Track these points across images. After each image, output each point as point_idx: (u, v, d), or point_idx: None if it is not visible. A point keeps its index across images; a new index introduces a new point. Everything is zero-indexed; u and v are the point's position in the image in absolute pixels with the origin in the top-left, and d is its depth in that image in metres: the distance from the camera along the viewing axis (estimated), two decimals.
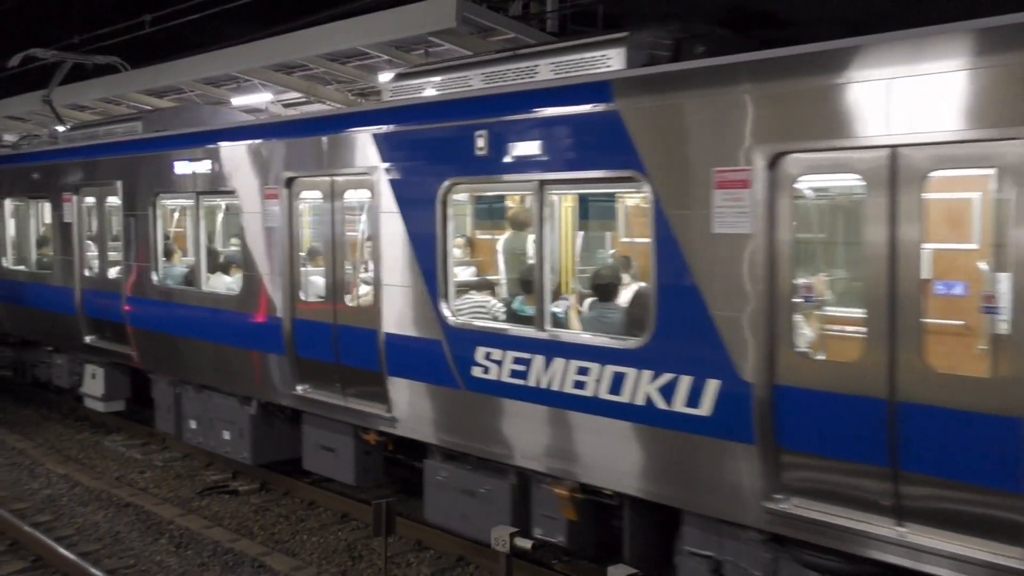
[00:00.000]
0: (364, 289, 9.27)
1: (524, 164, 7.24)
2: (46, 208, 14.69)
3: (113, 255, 12.86)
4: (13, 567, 8.93)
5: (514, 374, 7.38)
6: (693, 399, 6.28)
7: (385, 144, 8.45)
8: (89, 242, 13.38)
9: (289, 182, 9.51)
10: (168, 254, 12.25)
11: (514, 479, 7.73)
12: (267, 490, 11.09)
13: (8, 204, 15.60)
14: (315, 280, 9.83)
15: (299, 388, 9.59)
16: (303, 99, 15.33)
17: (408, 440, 8.68)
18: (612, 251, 10.18)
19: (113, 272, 12.74)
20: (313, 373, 9.44)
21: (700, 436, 6.26)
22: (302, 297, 9.58)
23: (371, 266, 8.84)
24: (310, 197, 9.77)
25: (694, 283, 6.21)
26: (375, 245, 8.56)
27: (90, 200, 13.21)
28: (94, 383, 13.66)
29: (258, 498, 10.90)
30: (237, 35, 18.02)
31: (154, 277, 11.73)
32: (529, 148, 7.20)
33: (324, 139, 9.08)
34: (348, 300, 9.18)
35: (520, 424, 7.43)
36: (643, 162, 6.46)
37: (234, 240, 12.40)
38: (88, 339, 13.20)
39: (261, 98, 15.42)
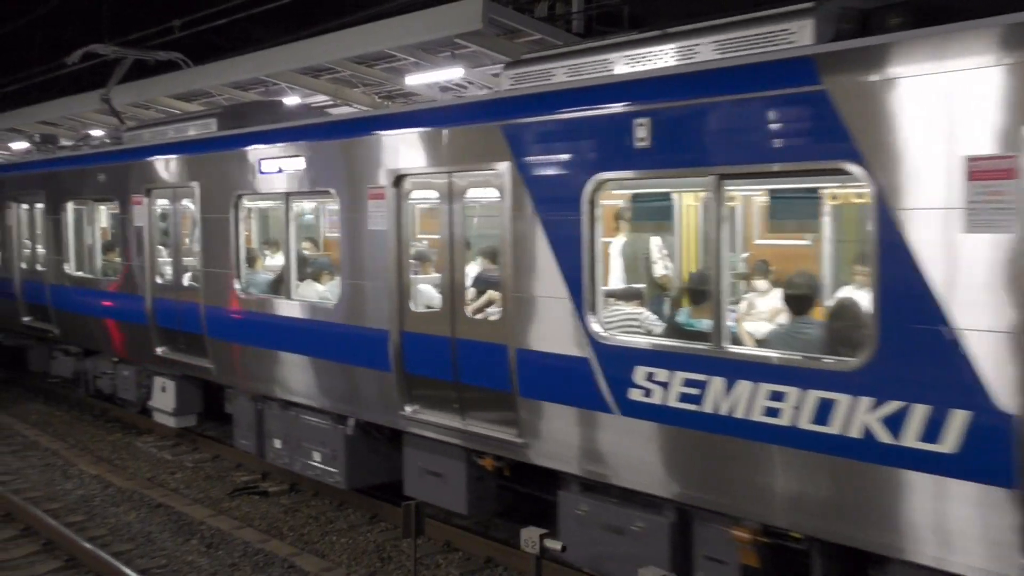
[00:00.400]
0: (490, 299, 8.61)
1: (698, 155, 6.32)
2: (112, 211, 14.02)
3: (188, 261, 12.14)
4: (47, 566, 9.03)
5: (684, 398, 6.43)
6: (930, 432, 5.27)
7: (519, 137, 7.51)
8: (160, 247, 12.83)
9: (398, 181, 8.63)
10: (251, 260, 11.43)
11: (672, 516, 6.83)
12: (296, 491, 11.15)
13: (71, 208, 14.83)
14: (428, 289, 9.21)
15: (407, 408, 8.69)
16: (330, 102, 15.42)
17: (529, 466, 7.90)
18: (745, 254, 9.32)
19: (188, 279, 12.06)
20: (425, 392, 8.57)
21: (939, 476, 5.27)
22: (413, 308, 8.74)
23: (499, 274, 8.08)
24: (423, 197, 9.07)
25: (933, 293, 5.21)
26: (505, 250, 7.66)
27: (163, 202, 12.56)
28: (164, 397, 13.01)
29: (288, 499, 10.97)
30: (264, 39, 18.16)
31: (236, 285, 10.90)
32: (706, 137, 6.31)
33: (443, 132, 8.24)
34: (470, 311, 8.35)
35: (690, 455, 6.50)
36: (860, 150, 5.50)
37: (330, 244, 11.74)
38: (160, 350, 12.49)
39: (288, 101, 15.52)
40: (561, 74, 7.57)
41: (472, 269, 9.05)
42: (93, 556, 8.81)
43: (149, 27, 17.65)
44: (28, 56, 26.61)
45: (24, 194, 16.25)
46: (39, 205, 15.62)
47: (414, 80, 13.27)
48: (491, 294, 8.63)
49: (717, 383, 6.21)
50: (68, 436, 14.11)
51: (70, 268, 14.76)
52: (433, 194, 8.53)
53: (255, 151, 10.48)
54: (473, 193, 8.27)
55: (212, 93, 16.52)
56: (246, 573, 8.78)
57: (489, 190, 7.94)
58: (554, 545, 7.23)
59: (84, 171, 14.24)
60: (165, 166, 12.16)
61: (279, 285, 10.69)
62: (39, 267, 15.80)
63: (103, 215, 14.79)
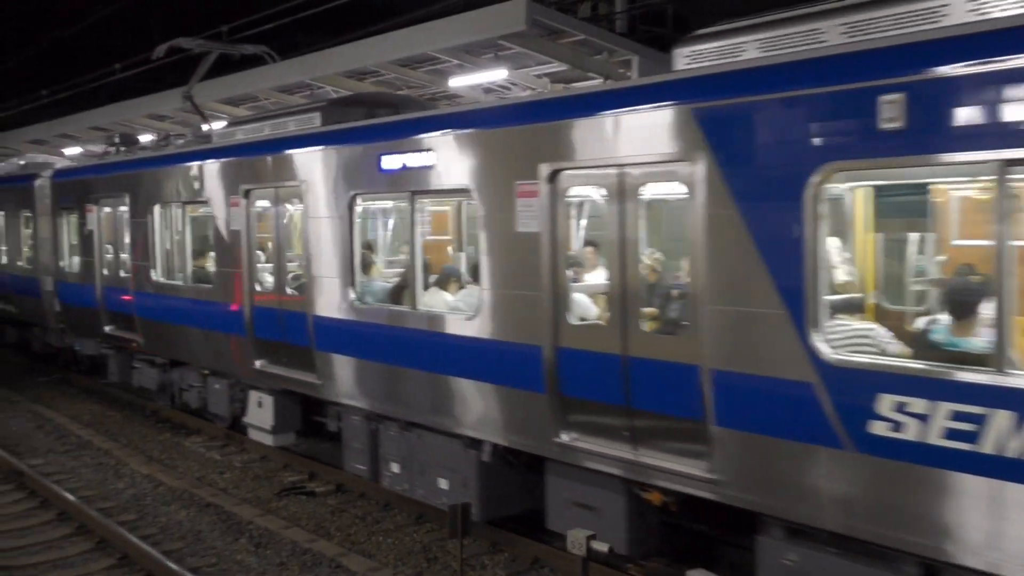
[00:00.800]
0: (671, 310, 7.77)
1: (979, 137, 5.24)
2: (203, 214, 13.26)
3: (293, 267, 11.44)
4: (101, 564, 9.19)
5: (951, 435, 5.38)
6: None
7: (717, 122, 6.49)
8: (259, 252, 12.13)
9: (553, 176, 7.63)
10: (366, 266, 10.57)
11: (917, 571, 5.87)
12: (343, 491, 11.23)
13: (158, 211, 14.01)
14: (588, 300, 8.31)
15: (564, 435, 7.69)
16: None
17: (700, 502, 6.98)
18: (942, 258, 7.88)
19: (293, 287, 11.30)
20: (585, 416, 7.59)
21: None
22: (571, 321, 7.72)
23: (682, 281, 7.40)
24: (584, 194, 8.35)
25: None
26: (696, 255, 6.64)
27: (263, 204, 11.72)
28: (261, 413, 12.21)
29: (334, 499, 11.04)
30: (309, 43, 18.33)
31: (351, 294, 10.02)
32: (989, 115, 5.18)
33: (608, 119, 7.23)
34: (645, 325, 7.39)
35: (960, 505, 5.43)
36: None
37: (468, 247, 10.95)
38: (258, 364, 11.70)
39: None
40: (752, 49, 6.67)
41: (648, 277, 8.08)
42: (145, 554, 8.94)
43: (197, 33, 17.87)
44: (78, 64, 27.09)
45: (107, 197, 15.50)
46: (123, 208, 14.92)
47: (457, 82, 13.31)
48: (671, 306, 7.88)
49: (1002, 418, 5.13)
50: (120, 436, 14.34)
51: (157, 275, 13.99)
52: (597, 191, 7.66)
53: (375, 146, 9.59)
54: (650, 189, 7.40)
55: (258, 97, 16.70)
56: (294, 572, 8.85)
57: (671, 185, 7.07)
58: (601, 547, 7.20)
59: (173, 172, 13.53)
60: (266, 165, 11.35)
61: (400, 294, 9.81)
62: (123, 273, 15.12)
63: (198, 219, 13.88)
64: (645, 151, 6.95)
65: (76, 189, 16.65)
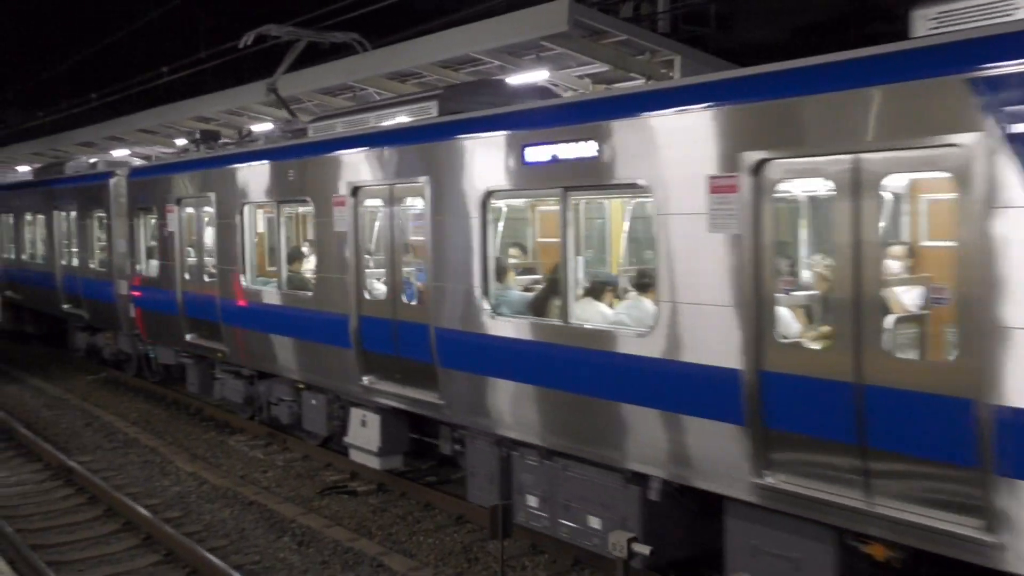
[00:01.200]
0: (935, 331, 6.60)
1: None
2: (301, 215, 12.62)
3: (410, 273, 10.48)
4: (147, 560, 9.32)
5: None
6: None
7: (1009, 90, 5.20)
8: (367, 257, 10.95)
9: (757, 167, 6.48)
10: (502, 273, 9.41)
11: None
12: (384, 491, 11.28)
13: (247, 211, 12.98)
14: (801, 316, 7.37)
15: (769, 477, 6.56)
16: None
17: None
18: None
19: (411, 296, 10.29)
20: (798, 455, 6.44)
21: None
22: (779, 339, 6.63)
23: (946, 295, 6.50)
24: (801, 189, 7.50)
25: None
26: (988, 264, 5.34)
27: (374, 203, 10.68)
28: (365, 433, 11.12)
29: (376, 499, 11.10)
30: (350, 45, 18.42)
31: (484, 305, 8.87)
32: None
33: (840, 97, 6.04)
34: (890, 346, 6.19)
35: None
36: None
37: (628, 253, 9.80)
38: (366, 379, 10.62)
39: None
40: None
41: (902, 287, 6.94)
42: (190, 551, 9.06)
43: (240, 36, 18.09)
44: (126, 67, 27.54)
45: (189, 196, 14.59)
46: (207, 208, 13.96)
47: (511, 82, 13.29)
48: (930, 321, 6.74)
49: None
50: (166, 434, 14.54)
51: (247, 280, 12.99)
52: (823, 184, 6.69)
53: (516, 136, 8.42)
54: (894, 181, 6.66)
55: (302, 99, 16.85)
56: (336, 571, 8.92)
57: (936, 174, 6.06)
58: (642, 550, 7.17)
59: (265, 168, 12.46)
60: (379, 160, 10.24)
61: (545, 304, 8.85)
62: (206, 278, 14.13)
63: (291, 219, 13.10)
64: (901, 135, 5.75)
65: (155, 188, 15.71)
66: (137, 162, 21.36)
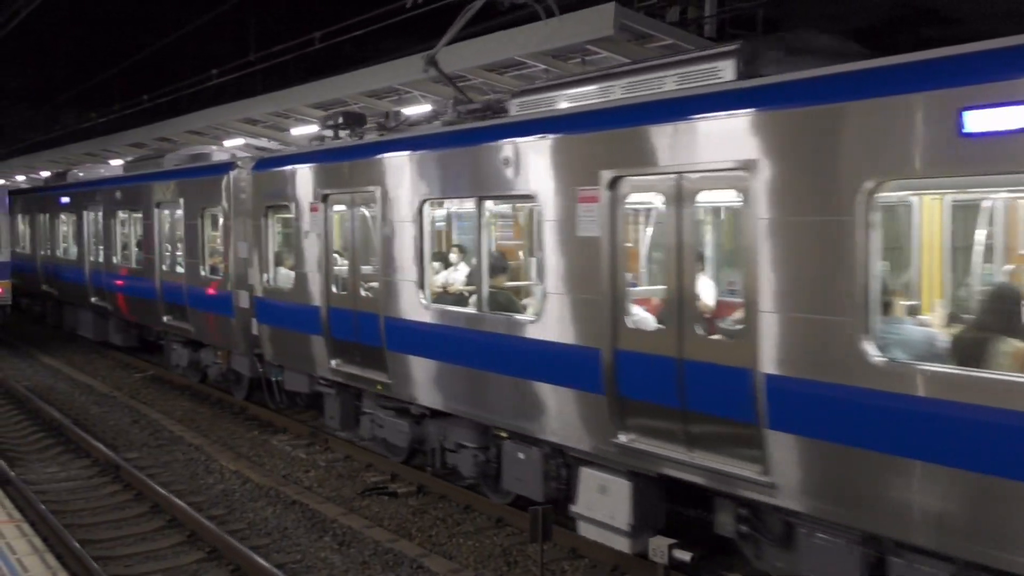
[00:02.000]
0: None
1: None
2: (514, 213, 10.89)
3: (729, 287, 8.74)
4: (191, 556, 9.44)
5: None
6: None
7: None
8: (628, 275, 8.43)
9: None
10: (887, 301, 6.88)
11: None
12: (424, 493, 11.32)
13: (427, 210, 10.49)
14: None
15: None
16: None
17: None
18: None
19: (728, 329, 7.86)
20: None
21: None
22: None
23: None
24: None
25: None
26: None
27: (646, 199, 8.72)
28: (606, 503, 8.41)
29: (416, 500, 11.14)
30: (395, 49, 18.57)
31: (864, 343, 6.25)
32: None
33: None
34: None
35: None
36: None
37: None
38: (624, 437, 8.01)
39: (420, 109, 15.83)
40: None
41: None
42: (233, 549, 9.15)
43: (291, 40, 18.33)
44: (178, 69, 27.98)
45: (342, 191, 11.84)
46: (370, 206, 11.39)
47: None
48: None
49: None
50: (210, 432, 14.71)
51: (425, 297, 10.43)
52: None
53: (942, 97, 5.77)
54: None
55: (348, 102, 16.99)
56: (376, 571, 8.96)
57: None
58: (683, 556, 7.13)
59: (458, 156, 9.95)
60: (655, 141, 7.62)
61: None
62: (364, 292, 11.57)
63: (499, 218, 11.05)
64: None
65: (290, 182, 12.99)
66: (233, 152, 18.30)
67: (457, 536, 9.92)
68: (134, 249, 19.76)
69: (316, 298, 12.31)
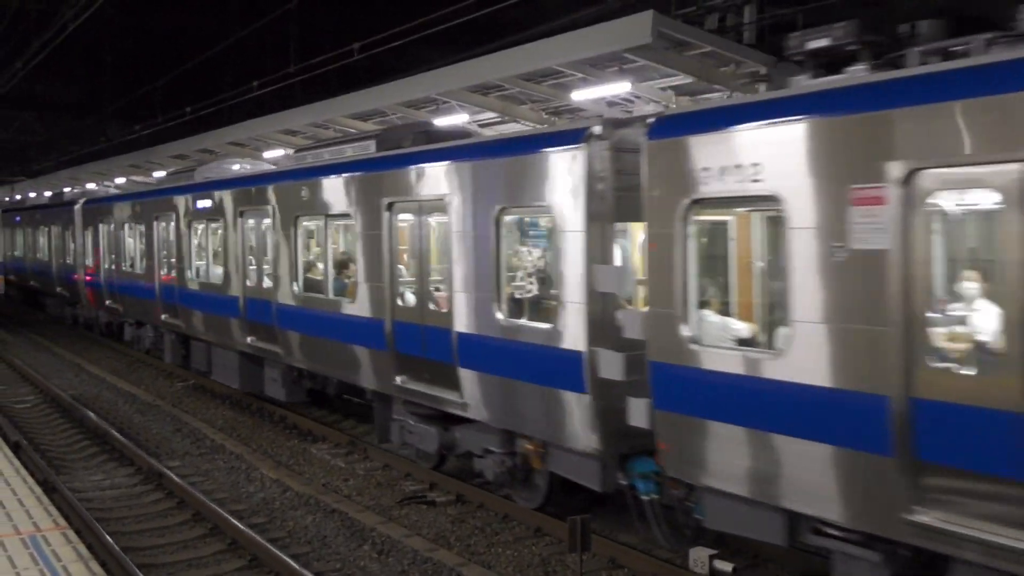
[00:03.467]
0: None
1: None
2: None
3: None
4: (232, 564, 9.52)
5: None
6: None
7: None
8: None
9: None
10: None
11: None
12: (463, 502, 11.32)
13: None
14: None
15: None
16: (498, 119, 15.64)
17: None
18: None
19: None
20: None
21: None
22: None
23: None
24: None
25: None
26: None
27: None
28: None
29: (454, 509, 11.15)
30: (433, 59, 18.68)
31: None
32: None
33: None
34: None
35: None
36: None
37: None
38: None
39: (458, 118, 15.86)
40: None
41: None
42: (274, 557, 9.22)
43: (331, 51, 18.49)
44: (221, 82, 28.35)
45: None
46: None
47: (580, 96, 13.27)
48: None
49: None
50: (251, 441, 14.84)
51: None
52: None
53: None
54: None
55: (386, 112, 17.09)
56: None
57: None
58: (724, 567, 7.06)
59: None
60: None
61: None
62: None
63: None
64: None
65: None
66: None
67: (496, 545, 9.91)
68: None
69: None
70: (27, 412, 17.29)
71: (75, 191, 32.19)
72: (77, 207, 27.52)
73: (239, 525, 10.12)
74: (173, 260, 19.62)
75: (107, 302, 23.48)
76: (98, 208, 25.87)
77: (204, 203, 18.30)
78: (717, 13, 14.58)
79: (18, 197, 37.99)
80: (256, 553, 9.54)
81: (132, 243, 22.78)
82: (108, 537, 9.68)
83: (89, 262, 26.16)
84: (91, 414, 16.08)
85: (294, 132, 20.16)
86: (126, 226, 23.14)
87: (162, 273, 20.16)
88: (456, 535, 10.27)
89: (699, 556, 7.31)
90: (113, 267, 23.61)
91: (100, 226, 25.21)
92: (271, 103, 23.32)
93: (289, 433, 15.33)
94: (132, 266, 22.40)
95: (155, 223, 20.66)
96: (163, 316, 20.31)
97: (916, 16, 6.36)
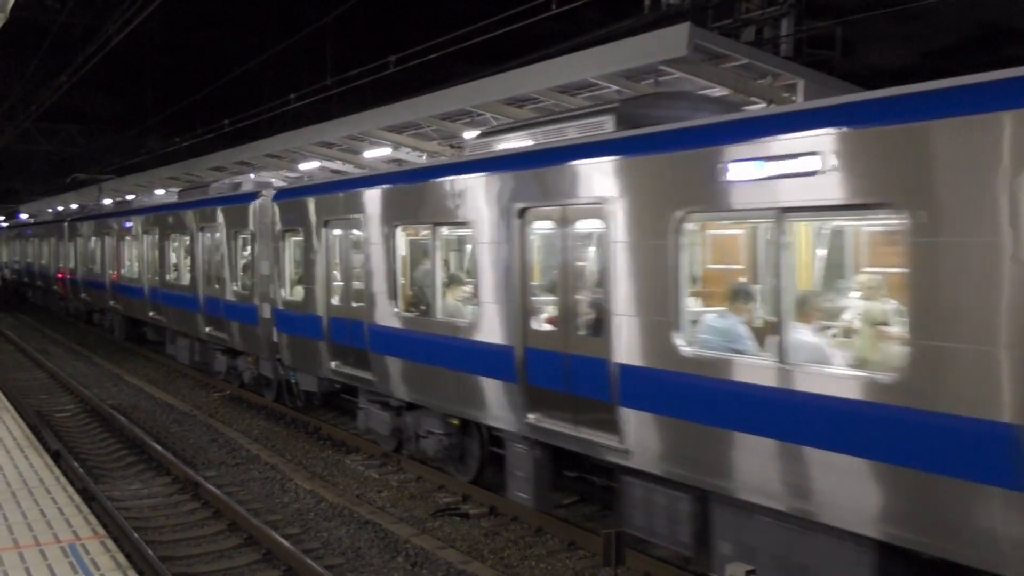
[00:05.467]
0: None
1: None
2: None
3: None
4: (266, 575, 9.55)
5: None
6: None
7: None
8: None
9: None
10: None
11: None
12: (496, 514, 11.29)
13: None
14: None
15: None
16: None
17: None
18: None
19: None
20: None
21: None
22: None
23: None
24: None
25: None
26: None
27: None
28: None
29: (488, 522, 11.12)
30: (468, 72, 18.75)
31: None
32: None
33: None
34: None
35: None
36: None
37: None
38: None
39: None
40: None
41: None
42: (309, 568, 9.23)
43: (367, 63, 18.64)
44: (258, 94, 28.65)
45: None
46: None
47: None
48: None
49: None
50: (285, 451, 14.92)
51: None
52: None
53: None
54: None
55: (420, 124, 17.17)
56: None
57: None
58: None
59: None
60: None
61: None
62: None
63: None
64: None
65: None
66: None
67: (529, 559, 9.87)
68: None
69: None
70: (67, 421, 17.51)
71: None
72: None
73: (274, 535, 10.16)
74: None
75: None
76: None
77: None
78: (754, 25, 14.55)
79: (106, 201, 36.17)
80: (291, 564, 9.57)
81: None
82: (146, 546, 9.77)
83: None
84: (130, 424, 16.25)
85: (330, 144, 20.33)
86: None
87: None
88: (489, 548, 10.24)
89: (736, 572, 7.24)
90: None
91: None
92: (308, 115, 23.53)
93: (323, 444, 15.39)
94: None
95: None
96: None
97: (956, 29, 6.28)
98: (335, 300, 14.49)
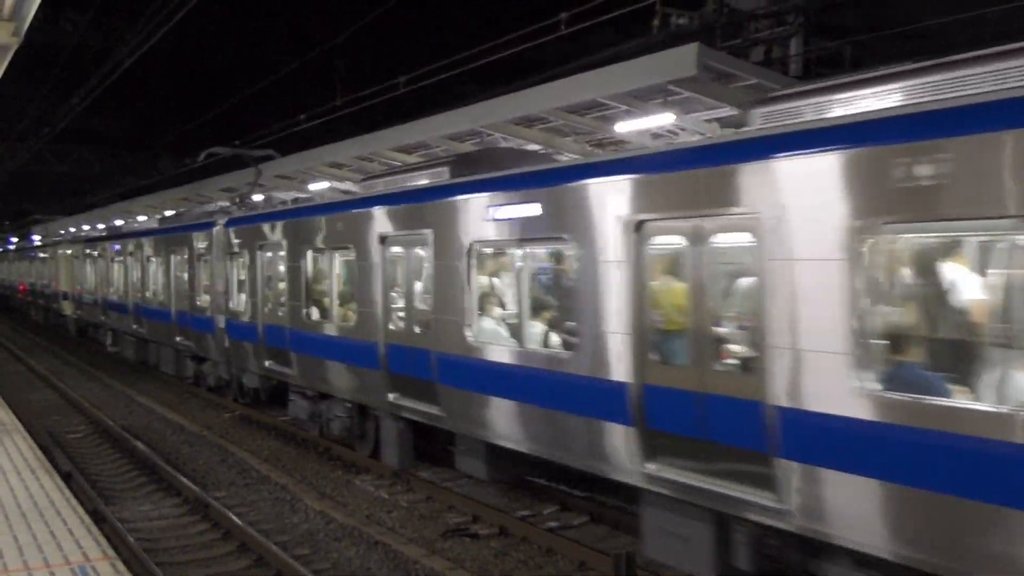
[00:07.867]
0: None
1: None
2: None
3: None
4: None
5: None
6: None
7: None
8: None
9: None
10: None
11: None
12: (506, 535, 11.25)
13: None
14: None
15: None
16: (541, 151, 15.72)
17: None
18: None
19: None
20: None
21: None
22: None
23: None
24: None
25: None
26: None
27: None
28: None
29: (497, 542, 11.08)
30: (477, 93, 18.84)
31: None
32: None
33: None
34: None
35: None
36: None
37: None
38: None
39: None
40: None
41: None
42: None
43: (377, 84, 18.76)
44: (268, 115, 28.82)
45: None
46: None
47: (624, 127, 13.30)
48: None
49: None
50: (295, 472, 14.91)
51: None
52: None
53: None
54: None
55: (430, 145, 17.25)
56: None
57: None
58: None
59: None
60: None
61: None
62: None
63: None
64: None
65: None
66: None
67: None
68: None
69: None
70: (79, 442, 17.55)
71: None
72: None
73: (284, 556, 10.14)
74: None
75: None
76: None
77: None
78: (763, 45, 14.59)
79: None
80: None
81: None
82: (155, 567, 9.75)
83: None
84: (140, 444, 16.27)
85: (340, 164, 20.42)
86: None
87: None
88: (499, 569, 10.20)
89: None
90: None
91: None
92: (318, 135, 23.65)
93: (333, 464, 15.38)
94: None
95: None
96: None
97: (963, 50, 6.32)
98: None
